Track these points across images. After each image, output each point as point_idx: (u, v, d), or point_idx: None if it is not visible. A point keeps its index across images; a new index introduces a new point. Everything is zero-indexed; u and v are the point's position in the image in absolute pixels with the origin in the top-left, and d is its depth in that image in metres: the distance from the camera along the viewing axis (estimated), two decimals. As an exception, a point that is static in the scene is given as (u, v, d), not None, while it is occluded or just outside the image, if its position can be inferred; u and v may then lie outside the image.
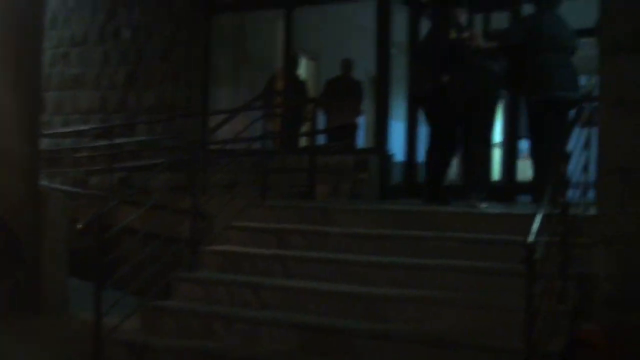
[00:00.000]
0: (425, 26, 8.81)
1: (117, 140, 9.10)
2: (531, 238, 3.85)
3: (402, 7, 8.69)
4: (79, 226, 5.42)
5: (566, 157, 4.60)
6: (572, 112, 5.98)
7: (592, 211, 5.06)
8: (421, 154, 8.96)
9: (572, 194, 4.90)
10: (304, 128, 9.46)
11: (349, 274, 5.47)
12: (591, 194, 5.27)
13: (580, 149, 4.99)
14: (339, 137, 9.15)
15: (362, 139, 10.52)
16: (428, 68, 6.79)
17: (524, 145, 8.48)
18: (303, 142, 9.87)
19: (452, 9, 7.05)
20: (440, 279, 5.13)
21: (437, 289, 5.08)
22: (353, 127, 9.83)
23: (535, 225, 3.95)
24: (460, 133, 6.77)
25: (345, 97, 9.60)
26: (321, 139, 8.78)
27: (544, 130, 6.47)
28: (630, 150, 4.49)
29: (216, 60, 9.56)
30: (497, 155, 10.68)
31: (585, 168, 5.11)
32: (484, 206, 6.22)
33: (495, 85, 6.72)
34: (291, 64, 9.68)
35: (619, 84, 4.56)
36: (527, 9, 8.11)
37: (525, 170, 8.43)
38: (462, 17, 7.04)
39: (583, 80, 6.75)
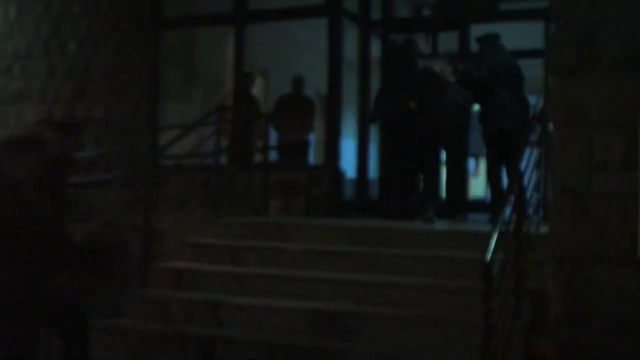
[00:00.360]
0: (375, 45, 8.99)
1: (64, 155, 8.92)
2: (488, 256, 3.94)
3: (353, 26, 8.80)
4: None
5: (520, 176, 4.72)
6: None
7: (544, 229, 5.22)
8: (372, 171, 9.09)
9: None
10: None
11: (305, 291, 5.49)
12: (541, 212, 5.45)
13: (532, 169, 5.13)
14: (290, 154, 9.18)
15: (313, 156, 10.57)
16: (395, 92, 7.13)
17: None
18: (255, 158, 9.89)
19: (413, 34, 7.52)
20: (398, 296, 5.19)
21: (395, 306, 5.14)
22: (305, 144, 9.87)
23: (492, 243, 4.04)
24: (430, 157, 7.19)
25: (296, 114, 9.63)
26: (273, 156, 8.78)
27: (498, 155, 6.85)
28: (579, 171, 4.65)
29: (165, 76, 9.47)
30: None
31: (537, 187, 5.26)
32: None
33: (462, 115, 7.11)
34: (246, 80, 9.71)
35: (568, 105, 4.71)
36: (475, 30, 8.36)
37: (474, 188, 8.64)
38: (421, 43, 7.41)
39: (532, 100, 7.02)
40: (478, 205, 8.52)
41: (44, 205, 3.52)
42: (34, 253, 3.32)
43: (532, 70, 8.42)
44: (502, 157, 6.84)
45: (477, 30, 8.25)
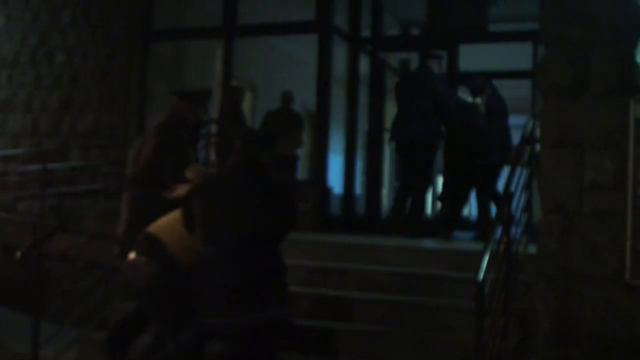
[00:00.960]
0: (364, 62, 9.04)
1: (50, 166, 8.85)
2: (481, 275, 3.95)
3: (342, 42, 8.84)
4: (18, 254, 5.23)
5: (510, 198, 4.74)
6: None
7: (532, 249, 5.25)
8: (358, 187, 9.11)
9: (513, 231, 5.05)
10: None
11: (295, 307, 5.44)
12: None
13: (522, 189, 5.16)
14: (280, 169, 9.18)
15: (299, 171, 10.59)
16: (411, 117, 7.44)
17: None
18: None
19: (427, 59, 7.81)
20: (388, 313, 5.17)
21: (385, 325, 5.13)
22: (294, 159, 9.91)
23: (484, 263, 4.05)
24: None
25: (285, 129, 9.66)
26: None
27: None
28: (570, 190, 4.68)
29: (153, 87, 9.45)
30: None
31: (526, 207, 5.29)
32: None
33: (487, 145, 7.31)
34: (237, 94, 9.74)
35: (559, 126, 4.76)
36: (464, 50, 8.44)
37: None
38: (436, 69, 7.68)
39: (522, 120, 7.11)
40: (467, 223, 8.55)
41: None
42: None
43: (520, 90, 8.51)
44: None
45: (466, 50, 8.33)
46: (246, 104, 11.67)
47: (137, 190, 4.62)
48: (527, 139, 5.43)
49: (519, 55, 8.47)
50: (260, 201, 3.90)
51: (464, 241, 7.13)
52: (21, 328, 5.55)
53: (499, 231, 4.57)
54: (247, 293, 3.75)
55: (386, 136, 8.87)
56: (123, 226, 4.58)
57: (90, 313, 5.63)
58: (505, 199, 4.70)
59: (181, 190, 4.30)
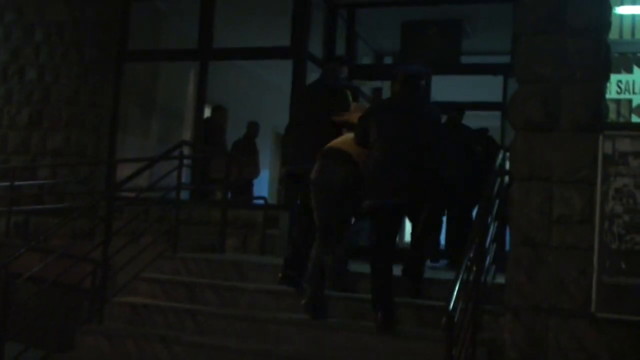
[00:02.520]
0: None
1: (17, 183, 8.75)
2: (451, 304, 3.99)
3: (316, 69, 8.91)
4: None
5: (482, 228, 4.81)
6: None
7: (499, 279, 5.32)
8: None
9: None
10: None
11: (263, 332, 5.46)
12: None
13: (492, 220, 5.23)
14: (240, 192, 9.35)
15: (268, 195, 10.61)
16: None
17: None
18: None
19: None
20: (356, 340, 5.19)
21: (352, 351, 5.14)
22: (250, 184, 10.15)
23: (454, 292, 4.09)
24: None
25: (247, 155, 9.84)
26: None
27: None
28: (539, 223, 4.78)
29: (125, 107, 9.43)
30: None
31: (494, 238, 5.36)
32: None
33: None
34: (219, 114, 9.78)
35: (529, 159, 4.86)
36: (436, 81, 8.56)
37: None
38: None
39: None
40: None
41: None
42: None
43: (490, 121, 8.66)
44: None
45: (439, 81, 8.45)
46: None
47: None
48: (498, 171, 5.51)
49: (489, 88, 8.63)
50: (423, 121, 5.39)
51: (433, 269, 7.18)
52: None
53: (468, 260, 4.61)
54: (408, 184, 5.20)
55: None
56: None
57: (55, 333, 5.56)
58: (476, 230, 4.77)
59: (350, 116, 5.77)
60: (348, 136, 5.64)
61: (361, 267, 5.86)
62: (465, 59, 9.01)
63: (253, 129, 10.40)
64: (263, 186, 11.33)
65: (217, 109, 10.07)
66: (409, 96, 5.50)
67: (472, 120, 8.27)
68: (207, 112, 9.82)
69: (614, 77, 5.78)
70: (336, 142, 5.60)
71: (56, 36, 9.37)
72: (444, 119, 6.52)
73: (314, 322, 5.40)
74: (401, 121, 5.33)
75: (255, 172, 10.41)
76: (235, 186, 9.71)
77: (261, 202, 8.63)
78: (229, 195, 8.18)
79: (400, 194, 5.20)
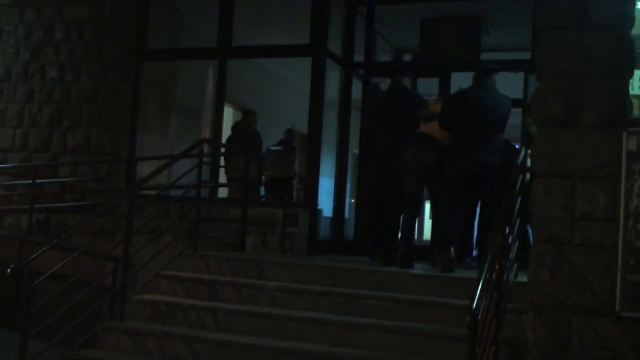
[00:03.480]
0: (356, 86, 9.10)
1: (38, 181, 8.82)
2: (474, 303, 3.96)
3: (335, 67, 8.91)
4: (8, 271, 5.19)
5: (505, 226, 4.77)
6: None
7: (521, 277, 5.28)
8: (347, 210, 9.13)
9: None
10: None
11: (283, 330, 5.46)
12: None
13: (514, 218, 5.19)
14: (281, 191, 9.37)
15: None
16: None
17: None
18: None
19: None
20: (377, 338, 5.18)
21: (374, 349, 5.13)
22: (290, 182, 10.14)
23: (477, 291, 4.07)
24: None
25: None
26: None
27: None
28: (561, 220, 4.73)
29: (144, 106, 9.48)
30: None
31: (517, 236, 5.32)
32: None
33: None
34: (251, 118, 9.81)
35: (552, 156, 4.81)
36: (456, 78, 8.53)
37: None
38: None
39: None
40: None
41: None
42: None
43: (512, 117, 8.57)
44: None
45: (458, 78, 8.41)
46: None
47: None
48: (519, 168, 5.47)
49: (509, 84, 8.56)
50: (491, 108, 6.46)
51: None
52: (8, 345, 5.50)
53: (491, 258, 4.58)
54: (480, 155, 6.31)
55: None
56: None
57: (76, 330, 5.58)
58: (499, 228, 4.73)
59: (431, 108, 6.83)
60: (432, 124, 6.65)
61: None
62: (484, 56, 8.95)
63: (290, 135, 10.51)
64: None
65: (249, 113, 10.06)
66: (479, 88, 6.59)
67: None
68: (227, 111, 9.85)
69: (637, 73, 5.71)
70: (424, 128, 6.73)
71: (76, 35, 9.42)
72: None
73: (334, 320, 5.39)
74: (473, 109, 6.43)
75: (293, 171, 10.46)
76: (276, 185, 9.78)
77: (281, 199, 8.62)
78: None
79: (473, 166, 6.35)
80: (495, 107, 6.49)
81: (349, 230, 9.03)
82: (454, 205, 6.42)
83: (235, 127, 10.03)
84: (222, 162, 8.69)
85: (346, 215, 9.06)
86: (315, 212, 8.18)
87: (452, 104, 6.65)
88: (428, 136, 6.61)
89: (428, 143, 6.57)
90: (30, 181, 8.70)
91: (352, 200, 9.47)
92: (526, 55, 8.13)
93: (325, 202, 8.76)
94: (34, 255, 5.30)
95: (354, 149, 9.34)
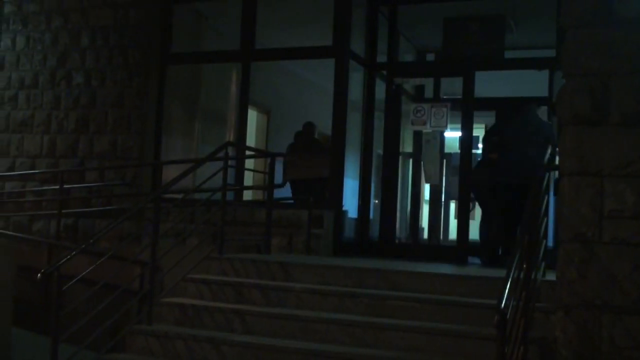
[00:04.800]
0: (379, 87, 9.09)
1: (66, 186, 8.92)
2: (503, 302, 3.94)
3: (358, 68, 8.90)
4: (39, 276, 5.25)
5: (532, 224, 4.74)
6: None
7: (549, 276, 5.24)
8: (372, 211, 9.12)
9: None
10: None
11: (309, 331, 5.47)
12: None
13: (541, 216, 5.16)
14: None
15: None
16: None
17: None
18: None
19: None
20: (404, 339, 5.17)
21: (401, 350, 5.12)
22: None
23: (506, 290, 4.04)
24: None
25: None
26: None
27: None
28: (589, 218, 4.68)
29: (169, 110, 9.55)
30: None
31: (544, 234, 5.28)
32: None
33: None
34: (311, 129, 9.81)
35: (579, 154, 4.76)
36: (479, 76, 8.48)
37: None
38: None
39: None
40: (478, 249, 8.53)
41: None
42: None
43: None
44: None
45: (483, 77, 8.37)
46: (259, 127, 11.76)
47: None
48: (546, 167, 5.43)
49: (534, 83, 8.51)
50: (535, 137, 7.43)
51: (479, 266, 7.12)
52: (39, 349, 5.56)
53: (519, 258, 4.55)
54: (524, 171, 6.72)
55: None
56: None
57: (104, 333, 5.62)
58: (526, 226, 4.70)
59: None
60: None
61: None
62: (508, 54, 8.90)
63: (310, 129, 10.30)
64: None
65: (309, 125, 9.93)
66: (519, 119, 7.75)
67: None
68: (250, 114, 9.86)
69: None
70: None
71: (101, 40, 9.52)
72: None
73: (360, 321, 5.39)
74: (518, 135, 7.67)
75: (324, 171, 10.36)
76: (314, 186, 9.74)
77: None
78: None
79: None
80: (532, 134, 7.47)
81: (374, 231, 9.02)
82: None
83: (297, 136, 9.95)
84: (247, 164, 8.68)
85: (371, 215, 9.04)
86: (340, 213, 8.18)
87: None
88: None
89: None
90: (58, 186, 8.80)
91: (376, 201, 9.45)
92: (551, 53, 8.07)
93: (350, 203, 8.75)
94: (63, 260, 5.34)
95: (377, 149, 9.33)
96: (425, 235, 11.14)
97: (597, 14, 4.80)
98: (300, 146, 9.81)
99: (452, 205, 11.92)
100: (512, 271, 4.24)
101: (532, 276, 4.87)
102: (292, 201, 8.73)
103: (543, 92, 8.23)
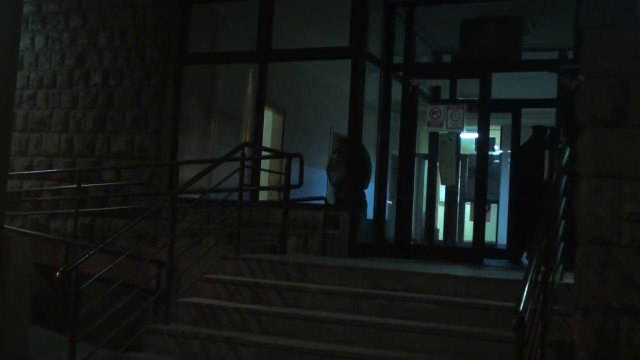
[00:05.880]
0: (396, 88, 9.09)
1: (83, 185, 8.97)
2: (521, 305, 3.92)
3: (375, 69, 8.90)
4: (57, 274, 5.28)
5: (549, 227, 4.72)
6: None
7: (567, 279, 5.21)
8: (388, 212, 9.11)
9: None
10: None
11: (326, 332, 5.47)
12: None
13: (559, 219, 5.14)
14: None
15: (327, 196, 10.60)
16: None
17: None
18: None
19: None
20: (420, 341, 5.16)
21: (417, 352, 5.11)
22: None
23: (524, 293, 4.03)
24: None
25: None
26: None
27: None
28: (608, 221, 4.65)
29: (185, 110, 9.58)
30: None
31: (561, 237, 5.26)
32: None
33: None
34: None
35: (598, 156, 4.73)
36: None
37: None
38: None
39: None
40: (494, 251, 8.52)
41: None
42: None
43: (550, 118, 8.52)
44: None
45: (499, 78, 8.35)
46: (275, 127, 11.77)
47: None
48: (564, 169, 5.40)
49: (551, 84, 8.48)
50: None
51: (495, 268, 7.10)
52: (57, 348, 5.59)
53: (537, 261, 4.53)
54: None
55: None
56: None
57: (121, 332, 5.65)
58: (543, 228, 4.68)
59: None
60: None
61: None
62: (526, 55, 8.87)
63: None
64: (322, 186, 11.35)
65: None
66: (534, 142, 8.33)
67: (532, 117, 8.14)
68: (267, 114, 9.87)
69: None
70: None
71: (119, 41, 9.57)
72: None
73: (376, 322, 5.39)
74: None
75: None
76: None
77: (321, 202, 8.62)
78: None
79: None
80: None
81: (390, 232, 9.02)
82: None
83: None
84: (263, 165, 8.70)
85: (386, 217, 9.04)
86: (356, 214, 8.18)
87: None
88: None
89: None
90: (75, 185, 8.85)
91: (389, 202, 9.46)
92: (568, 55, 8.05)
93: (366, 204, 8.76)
94: (82, 258, 5.37)
95: (393, 150, 9.32)
96: (440, 236, 11.12)
97: (617, 15, 4.77)
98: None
99: (467, 207, 11.91)
100: (531, 274, 4.22)
101: (550, 279, 4.84)
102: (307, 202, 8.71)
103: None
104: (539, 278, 4.55)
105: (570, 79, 7.74)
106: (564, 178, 5.40)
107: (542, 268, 4.62)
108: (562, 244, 5.29)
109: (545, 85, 8.69)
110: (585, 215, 4.73)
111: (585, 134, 4.84)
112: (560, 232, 5.16)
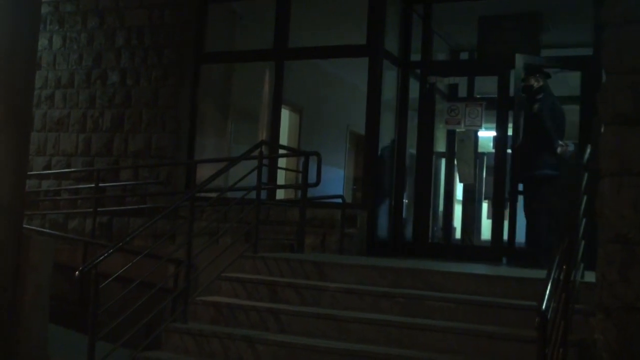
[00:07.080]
0: (413, 86, 9.04)
1: (101, 184, 9.00)
2: (544, 304, 3.88)
3: (392, 67, 8.86)
4: (76, 273, 5.30)
5: (572, 226, 4.67)
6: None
7: (588, 278, 5.16)
8: (405, 211, 9.08)
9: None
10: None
11: (345, 331, 5.45)
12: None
13: (580, 217, 5.09)
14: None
15: (344, 194, 10.58)
16: None
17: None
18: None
19: None
20: (440, 340, 5.13)
21: (437, 352, 5.08)
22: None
23: (547, 292, 3.99)
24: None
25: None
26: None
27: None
28: (631, 219, 4.59)
29: (202, 109, 9.59)
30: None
31: (583, 235, 5.21)
32: None
33: None
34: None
35: (620, 154, 4.68)
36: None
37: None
38: None
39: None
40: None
41: None
42: None
43: (570, 116, 8.43)
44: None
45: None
46: (292, 125, 11.75)
47: None
48: (586, 166, 5.35)
49: (572, 80, 8.42)
50: None
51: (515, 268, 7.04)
52: (75, 347, 5.61)
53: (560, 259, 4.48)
54: None
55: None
56: None
57: (139, 331, 5.66)
58: (566, 227, 4.63)
59: None
60: None
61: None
62: (544, 52, 8.80)
63: None
64: (338, 185, 11.33)
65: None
66: None
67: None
68: (283, 112, 9.87)
69: None
70: None
71: (136, 40, 9.60)
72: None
73: (396, 321, 5.36)
74: None
75: None
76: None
77: (339, 201, 8.59)
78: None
79: None
80: None
81: (407, 230, 8.98)
82: None
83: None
84: (280, 163, 8.69)
85: (404, 215, 9.00)
86: (374, 213, 8.15)
87: None
88: None
89: None
90: (93, 185, 8.88)
91: (406, 201, 9.41)
92: (587, 52, 7.96)
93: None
94: (101, 257, 5.38)
95: (410, 148, 9.27)
96: (458, 235, 11.07)
97: None
98: None
99: (484, 205, 11.83)
100: (553, 272, 4.18)
101: (572, 277, 4.79)
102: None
103: (576, 91, 8.13)
104: (561, 277, 4.51)
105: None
106: (586, 176, 5.35)
107: (564, 267, 4.57)
108: (582, 243, 5.23)
109: (568, 81, 8.62)
110: (608, 213, 4.68)
111: (607, 131, 4.79)
112: (581, 231, 5.10)
